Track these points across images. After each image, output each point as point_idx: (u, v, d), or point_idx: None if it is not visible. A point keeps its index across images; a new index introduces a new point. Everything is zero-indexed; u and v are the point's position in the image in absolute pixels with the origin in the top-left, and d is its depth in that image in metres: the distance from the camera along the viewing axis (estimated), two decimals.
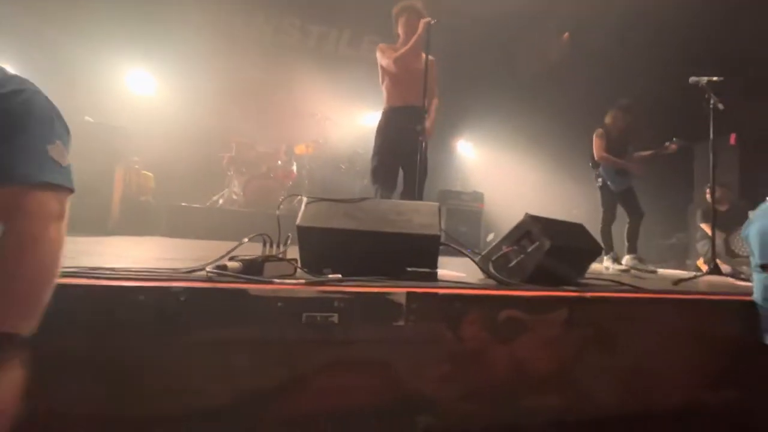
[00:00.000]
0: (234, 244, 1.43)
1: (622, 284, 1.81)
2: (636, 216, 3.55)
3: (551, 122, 5.68)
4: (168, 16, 5.16)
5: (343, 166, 5.77)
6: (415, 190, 2.58)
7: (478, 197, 5.52)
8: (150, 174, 4.62)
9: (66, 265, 1.09)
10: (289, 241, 1.40)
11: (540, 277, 1.56)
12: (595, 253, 1.89)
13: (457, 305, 1.22)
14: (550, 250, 1.56)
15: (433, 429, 1.15)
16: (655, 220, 4.63)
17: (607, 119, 3.69)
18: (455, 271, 1.78)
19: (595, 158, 3.65)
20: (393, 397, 1.11)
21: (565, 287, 1.50)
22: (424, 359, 1.16)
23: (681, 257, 5.46)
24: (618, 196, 3.59)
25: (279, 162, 5.35)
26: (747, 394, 1.60)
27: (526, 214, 1.66)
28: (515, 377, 1.27)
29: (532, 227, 1.63)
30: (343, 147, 6.01)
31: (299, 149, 5.61)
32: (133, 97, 5.49)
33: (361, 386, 1.09)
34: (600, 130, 3.66)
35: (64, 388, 0.86)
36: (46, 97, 0.82)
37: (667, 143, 3.60)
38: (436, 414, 1.15)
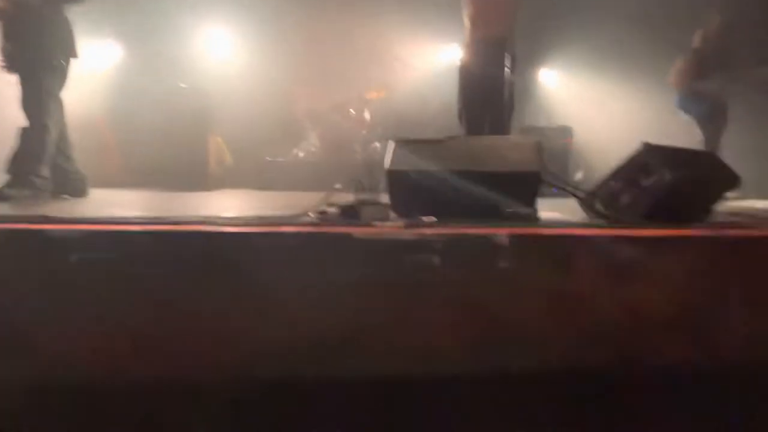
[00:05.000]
0: (321, 194, 1.47)
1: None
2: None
3: (652, 42, 4.76)
4: None
5: (416, 108, 5.58)
6: (500, 128, 2.41)
7: (565, 132, 5.01)
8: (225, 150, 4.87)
9: (189, 215, 1.22)
10: (380, 186, 1.40)
11: (660, 214, 1.38)
12: (729, 185, 1.60)
13: (565, 247, 1.13)
14: (673, 182, 1.35)
15: (535, 370, 1.12)
16: None
17: (696, 40, 3.09)
18: (551, 211, 1.65)
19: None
20: (497, 337, 1.10)
21: (693, 224, 1.31)
22: (529, 303, 1.11)
23: None
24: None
25: (351, 110, 5.32)
26: None
27: (643, 142, 1.44)
28: (626, 324, 1.17)
29: (650, 158, 1.42)
30: (414, 88, 5.75)
31: (370, 95, 5.50)
32: (212, 58, 5.71)
33: (463, 326, 1.09)
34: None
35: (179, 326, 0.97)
36: None
37: None
38: (539, 355, 1.13)
